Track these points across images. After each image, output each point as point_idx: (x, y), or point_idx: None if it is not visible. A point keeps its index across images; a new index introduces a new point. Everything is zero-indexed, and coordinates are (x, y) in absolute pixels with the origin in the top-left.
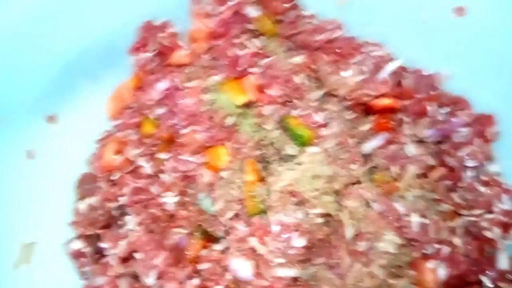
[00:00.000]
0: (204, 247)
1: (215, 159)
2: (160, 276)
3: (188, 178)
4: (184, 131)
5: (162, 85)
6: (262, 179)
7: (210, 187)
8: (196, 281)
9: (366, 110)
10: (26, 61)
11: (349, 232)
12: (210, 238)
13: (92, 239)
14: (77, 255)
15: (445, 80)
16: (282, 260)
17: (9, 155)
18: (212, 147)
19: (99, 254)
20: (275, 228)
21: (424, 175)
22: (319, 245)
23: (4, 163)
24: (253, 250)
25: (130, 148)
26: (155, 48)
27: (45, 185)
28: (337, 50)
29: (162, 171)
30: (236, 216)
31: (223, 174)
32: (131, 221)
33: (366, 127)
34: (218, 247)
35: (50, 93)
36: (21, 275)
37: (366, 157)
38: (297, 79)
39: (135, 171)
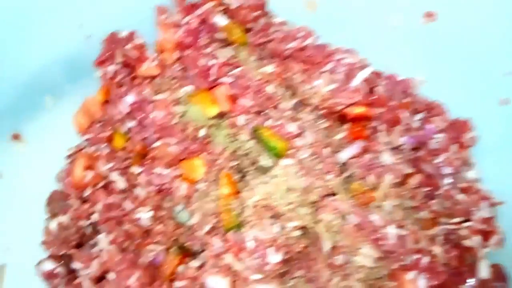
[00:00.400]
0: (181, 262)
1: (191, 171)
2: None
3: (163, 192)
4: (156, 144)
5: (130, 98)
6: (238, 192)
7: (187, 199)
8: None
9: (340, 118)
10: None
11: (326, 245)
12: (187, 253)
13: (64, 259)
14: (49, 276)
15: (419, 85)
16: (258, 276)
17: None
18: (187, 159)
19: (72, 274)
20: (250, 244)
21: (401, 183)
22: (297, 257)
23: None
24: (229, 266)
25: (101, 162)
26: (122, 60)
27: (15, 204)
28: (307, 58)
29: (135, 186)
30: (213, 229)
31: (199, 186)
32: (103, 240)
33: (340, 135)
34: (194, 263)
35: (14, 111)
36: None
37: (342, 166)
38: (269, 89)
39: (107, 187)
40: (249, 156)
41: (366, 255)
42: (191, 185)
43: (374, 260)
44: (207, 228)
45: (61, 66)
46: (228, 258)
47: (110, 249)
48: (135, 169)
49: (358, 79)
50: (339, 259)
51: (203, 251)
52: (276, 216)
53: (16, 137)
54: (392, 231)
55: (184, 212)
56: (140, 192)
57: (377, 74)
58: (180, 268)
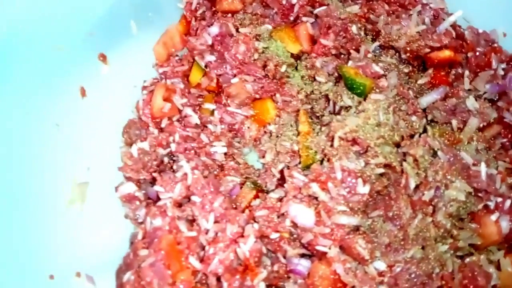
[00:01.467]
0: (256, 197)
1: (263, 112)
2: (218, 220)
3: (234, 131)
4: (233, 80)
5: (214, 30)
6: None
7: (256, 141)
8: (257, 226)
9: (424, 64)
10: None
11: (412, 182)
12: (261, 190)
13: (144, 183)
14: (129, 198)
15: (499, 38)
16: (344, 208)
17: (63, 91)
18: (260, 100)
19: (150, 200)
20: (339, 174)
21: (480, 131)
22: (376, 197)
23: (58, 99)
24: (312, 197)
25: (177, 96)
26: None
27: (95, 126)
28: (395, 0)
29: (208, 122)
30: (287, 168)
31: (271, 128)
32: (185, 166)
33: (422, 80)
34: (274, 195)
35: (101, 31)
36: (73, 215)
37: (424, 111)
38: (353, 29)
39: (182, 120)
40: (329, 97)
41: (459, 189)
42: (261, 126)
43: (466, 195)
44: (280, 166)
45: None
46: (314, 188)
47: (195, 174)
48: (209, 106)
49: (446, 23)
50: (427, 194)
51: (277, 188)
52: (361, 151)
53: (102, 57)
54: (483, 169)
55: (253, 154)
56: (213, 128)
57: (457, 25)
58: (255, 202)
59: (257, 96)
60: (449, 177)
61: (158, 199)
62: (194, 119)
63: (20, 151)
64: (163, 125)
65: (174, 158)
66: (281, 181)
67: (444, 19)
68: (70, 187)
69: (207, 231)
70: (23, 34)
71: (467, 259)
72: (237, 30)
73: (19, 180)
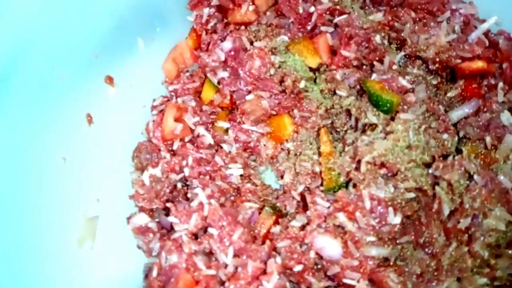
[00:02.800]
0: (275, 223)
1: (279, 129)
2: (237, 253)
3: (249, 149)
4: (248, 97)
5: (227, 45)
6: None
7: (273, 159)
8: (279, 260)
9: (452, 74)
10: (81, 18)
11: (446, 208)
12: (280, 214)
13: (156, 211)
14: (142, 230)
15: None
16: (373, 238)
17: (69, 121)
18: (276, 116)
19: (163, 229)
20: (368, 203)
21: None
22: (405, 222)
23: (63, 131)
24: (338, 227)
25: (188, 115)
26: (217, 3)
27: (103, 154)
28: (422, 6)
29: (223, 141)
30: (308, 190)
31: (288, 145)
32: (201, 194)
33: (452, 93)
34: (295, 223)
35: (106, 53)
36: (84, 251)
37: (455, 126)
38: (377, 39)
39: (194, 141)
40: (351, 112)
41: (499, 218)
42: (277, 144)
43: (506, 224)
44: (300, 188)
45: (153, 8)
46: (341, 218)
47: (212, 204)
48: (223, 124)
49: (479, 31)
50: (463, 222)
51: (297, 212)
52: (390, 176)
53: (109, 80)
54: None
55: (270, 173)
56: (229, 148)
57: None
58: (275, 229)
59: (273, 112)
60: (487, 204)
61: (172, 228)
62: (208, 139)
63: (26, 189)
64: (175, 147)
65: (188, 183)
66: (302, 203)
67: (475, 26)
68: (80, 223)
69: (226, 266)
70: (23, 63)
71: None
72: (251, 44)
73: (26, 220)
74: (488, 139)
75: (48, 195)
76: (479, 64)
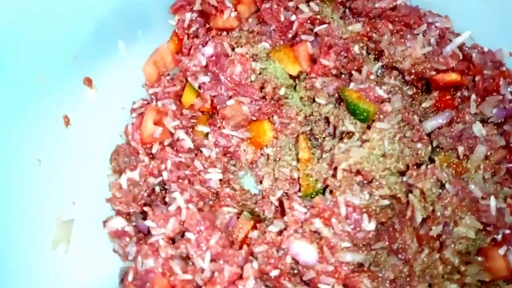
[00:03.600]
0: (253, 228)
1: (259, 134)
2: (214, 258)
3: (229, 154)
4: (229, 102)
5: (208, 50)
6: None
7: (252, 164)
8: (256, 265)
9: (428, 85)
10: (62, 19)
11: (419, 215)
12: (258, 219)
13: (133, 215)
14: (118, 234)
15: (506, 57)
16: (348, 244)
17: (45, 123)
18: (256, 122)
19: (140, 233)
20: (343, 210)
21: (486, 158)
22: (379, 229)
23: (39, 132)
24: (314, 232)
25: (168, 119)
26: (200, 8)
27: (79, 156)
28: (399, 19)
29: (202, 145)
30: (286, 195)
31: (268, 150)
32: (179, 199)
33: (427, 103)
34: (272, 228)
35: (86, 54)
36: (58, 255)
37: (428, 136)
38: (356, 49)
39: (174, 144)
40: (330, 120)
41: (469, 226)
42: (257, 149)
43: (475, 232)
44: (279, 193)
45: (134, 11)
46: (318, 224)
47: (189, 208)
48: (203, 129)
49: (454, 44)
50: (435, 230)
51: (275, 217)
52: (365, 183)
53: (87, 81)
54: (492, 203)
55: (249, 178)
56: (208, 152)
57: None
58: (253, 234)
59: (254, 118)
60: (458, 213)
61: (149, 232)
62: (187, 143)
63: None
64: (154, 151)
65: (166, 187)
66: (280, 208)
67: (450, 40)
68: (55, 226)
69: (202, 270)
70: (1, 62)
71: None
72: (232, 50)
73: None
74: (460, 149)
75: (22, 196)
76: (453, 77)
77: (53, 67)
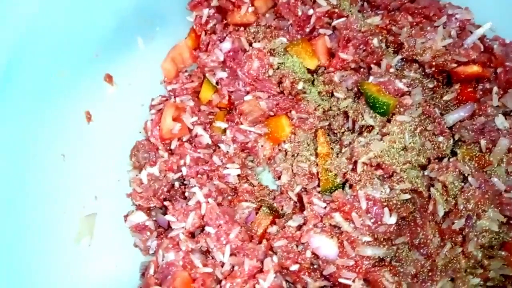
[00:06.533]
0: (272, 223)
1: (277, 130)
2: (234, 252)
3: (247, 150)
4: (246, 97)
5: (226, 45)
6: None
7: (270, 160)
8: (276, 259)
9: (449, 78)
10: (83, 17)
11: (441, 209)
12: (277, 215)
13: (154, 210)
14: (139, 228)
15: None
16: (369, 239)
17: (68, 118)
18: (274, 117)
19: (160, 228)
20: (364, 204)
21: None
22: (401, 223)
23: (62, 128)
24: (334, 226)
25: (187, 115)
26: (217, 4)
27: (101, 152)
28: (419, 11)
29: (220, 141)
30: (305, 190)
31: (286, 146)
32: (198, 193)
33: (448, 96)
34: (292, 223)
35: (106, 51)
36: (82, 249)
37: (450, 129)
38: (375, 42)
39: (192, 140)
40: (349, 114)
41: (492, 219)
42: (275, 145)
43: (499, 225)
44: (297, 188)
45: (152, 8)
46: (337, 218)
47: (209, 203)
48: (221, 124)
49: (474, 36)
50: (458, 223)
51: (294, 213)
52: (386, 177)
53: (108, 78)
54: None
55: (267, 174)
56: (225, 148)
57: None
58: (272, 229)
59: (271, 113)
60: (481, 206)
61: (169, 227)
62: (205, 138)
63: (24, 185)
64: (173, 147)
65: (186, 182)
66: (298, 203)
67: (471, 31)
68: (78, 220)
69: (222, 264)
70: (24, 61)
71: None
72: (250, 45)
73: (24, 216)
74: (483, 142)
75: (46, 191)
76: (474, 69)
77: (75, 64)
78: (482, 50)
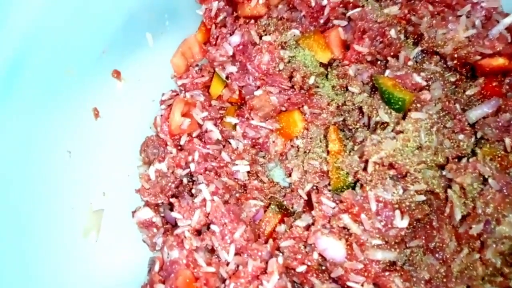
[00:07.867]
0: (280, 222)
1: (289, 125)
2: (239, 252)
3: (258, 145)
4: (257, 92)
5: (235, 39)
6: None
7: (282, 156)
8: (281, 260)
9: (473, 71)
10: (91, 14)
11: (458, 212)
12: (286, 213)
13: (162, 206)
14: (146, 224)
15: None
16: (379, 242)
17: (75, 115)
18: (286, 112)
19: (168, 224)
20: (374, 205)
21: None
22: (416, 226)
23: (69, 125)
24: (343, 228)
25: (197, 110)
26: None
27: (109, 148)
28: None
29: (231, 137)
30: (316, 189)
31: (298, 142)
32: (205, 191)
33: (472, 91)
34: (300, 223)
35: (115, 48)
36: (89, 244)
37: (472, 126)
38: (392, 33)
39: (202, 136)
40: (363, 110)
41: None
42: (287, 140)
43: None
44: (308, 186)
45: (161, 3)
46: (346, 219)
47: (214, 201)
48: (231, 120)
49: (501, 26)
50: (475, 228)
51: (304, 211)
52: (399, 177)
53: (116, 73)
54: None
55: (279, 170)
56: (236, 144)
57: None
58: (280, 228)
59: (283, 108)
60: (501, 210)
61: (177, 224)
62: (215, 134)
63: (32, 181)
64: (182, 142)
65: (194, 179)
66: (309, 202)
67: (497, 21)
68: (86, 216)
69: (227, 263)
70: (32, 57)
71: None
72: (260, 38)
73: (33, 211)
74: (507, 140)
75: (54, 187)
76: (500, 61)
77: (82, 61)
78: (509, 41)
